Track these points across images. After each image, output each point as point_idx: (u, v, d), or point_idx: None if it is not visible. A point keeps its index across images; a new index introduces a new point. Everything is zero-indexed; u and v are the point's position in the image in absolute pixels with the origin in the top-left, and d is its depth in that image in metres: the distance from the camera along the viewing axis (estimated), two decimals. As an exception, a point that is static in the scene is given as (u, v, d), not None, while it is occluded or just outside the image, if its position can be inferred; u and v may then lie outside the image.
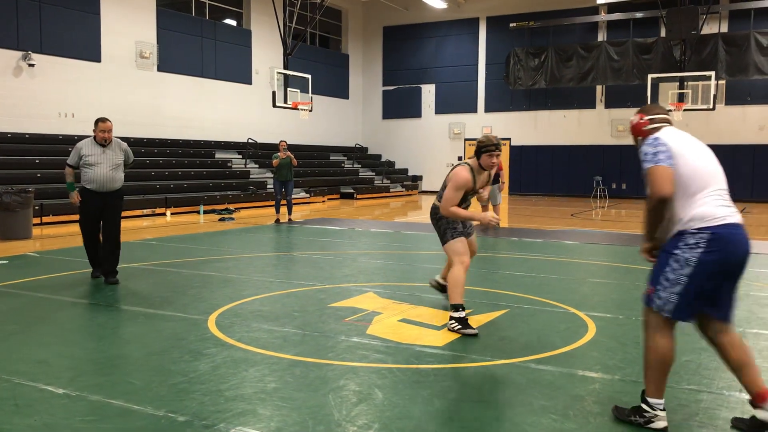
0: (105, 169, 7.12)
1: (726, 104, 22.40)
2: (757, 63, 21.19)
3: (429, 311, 5.96)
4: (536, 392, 3.94)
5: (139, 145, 18.82)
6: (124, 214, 15.05)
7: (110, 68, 18.25)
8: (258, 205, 19.11)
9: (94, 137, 7.23)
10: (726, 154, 22.49)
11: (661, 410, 3.35)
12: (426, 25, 27.36)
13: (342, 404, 3.70)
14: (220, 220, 15.22)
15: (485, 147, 5.31)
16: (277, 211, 14.59)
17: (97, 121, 7.22)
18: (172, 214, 16.36)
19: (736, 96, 22.41)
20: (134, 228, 13.33)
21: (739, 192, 22.19)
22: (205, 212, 16.65)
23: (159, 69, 19.66)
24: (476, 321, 5.60)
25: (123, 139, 18.23)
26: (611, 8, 23.78)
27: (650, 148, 3.36)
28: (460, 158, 27.05)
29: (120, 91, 18.46)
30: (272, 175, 15.44)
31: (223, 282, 7.37)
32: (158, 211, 16.28)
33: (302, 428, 3.37)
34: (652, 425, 3.35)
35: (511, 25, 24.99)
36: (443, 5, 25.93)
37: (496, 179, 13.61)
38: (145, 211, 15.93)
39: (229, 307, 6.08)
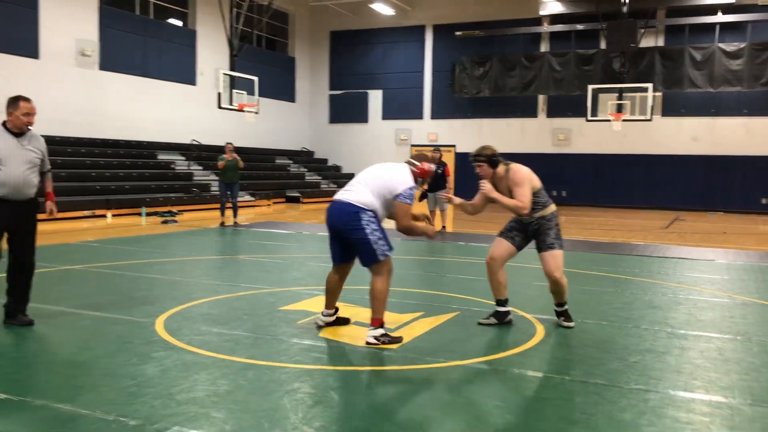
0: (19, 167, 5.15)
1: (662, 116, 23.19)
2: (691, 77, 22.03)
3: (380, 314, 5.96)
4: (489, 392, 3.99)
5: (80, 145, 18.31)
6: (62, 215, 14.65)
7: (49, 65, 17.68)
8: (201, 208, 18.79)
9: (4, 124, 5.21)
10: (662, 164, 23.35)
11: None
12: (373, 31, 27.47)
13: (298, 407, 3.67)
14: (163, 222, 14.91)
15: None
16: (223, 214, 14.38)
17: (16, 100, 5.18)
18: (113, 215, 15.94)
19: (671, 108, 23.24)
20: (74, 229, 12.93)
21: (673, 201, 23.07)
22: (147, 214, 16.28)
23: (101, 68, 19.15)
24: (428, 323, 5.64)
25: (62, 139, 17.97)
26: (554, 20, 24.35)
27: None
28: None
29: (59, 90, 17.90)
30: (216, 177, 15.22)
31: (169, 285, 7.22)
32: (99, 212, 15.84)
33: (258, 431, 3.33)
34: None
35: (457, 33, 25.32)
36: (391, 12, 26.09)
37: (443, 185, 13.74)
38: (85, 213, 15.47)
39: (176, 310, 5.96)
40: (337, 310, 5.49)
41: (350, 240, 5.06)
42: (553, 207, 5.58)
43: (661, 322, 5.98)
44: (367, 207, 4.99)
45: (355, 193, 5.07)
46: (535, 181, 5.48)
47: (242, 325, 5.47)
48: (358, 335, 5.20)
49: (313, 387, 4.01)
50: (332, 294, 5.45)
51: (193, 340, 4.97)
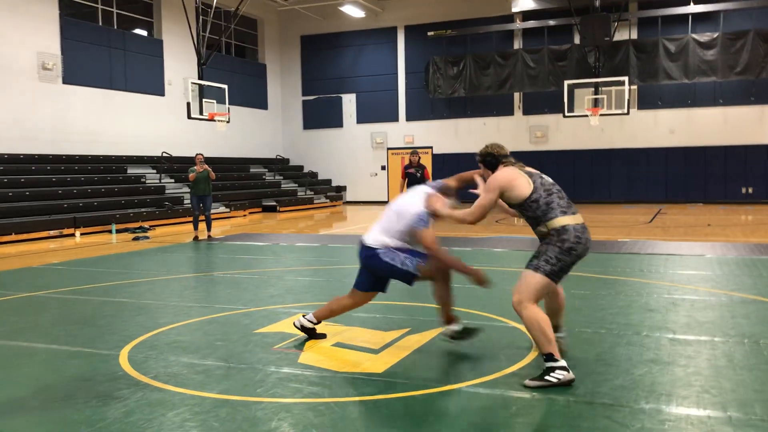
0: None
1: (639, 109, 23.05)
2: (666, 68, 21.90)
3: (364, 332, 5.56)
4: (489, 420, 3.60)
5: (45, 162, 17.68)
6: (27, 236, 14.06)
7: (8, 80, 17.03)
8: (175, 222, 18.24)
9: None
10: (640, 157, 23.21)
11: None
12: (344, 34, 27.06)
13: (275, 451, 3.25)
14: (134, 239, 14.37)
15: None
16: (196, 228, 13.89)
17: None
18: (81, 234, 15.35)
19: (648, 101, 23.11)
20: (39, 251, 12.36)
21: (653, 194, 22.93)
22: (117, 231, 15.71)
23: (64, 81, 18.51)
24: (416, 340, 5.25)
25: (27, 156, 17.34)
26: (526, 16, 24.12)
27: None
28: (383, 167, 26.86)
29: (21, 105, 17.26)
30: (189, 190, 14.73)
31: (137, 309, 6.75)
32: (66, 231, 15.23)
33: (230, 486, 2.91)
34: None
35: (429, 33, 25.00)
36: (361, 14, 25.71)
37: (423, 188, 13.37)
38: (52, 233, 14.86)
39: (143, 339, 5.50)
40: (318, 323, 5.29)
41: (380, 273, 4.96)
42: (563, 220, 4.26)
43: (661, 327, 5.64)
44: (379, 245, 4.85)
45: (370, 233, 5.04)
46: (519, 190, 4.34)
47: (214, 353, 5.04)
48: (339, 359, 4.79)
49: (292, 425, 3.59)
50: (331, 313, 5.25)
51: (160, 374, 4.53)
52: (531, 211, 4.37)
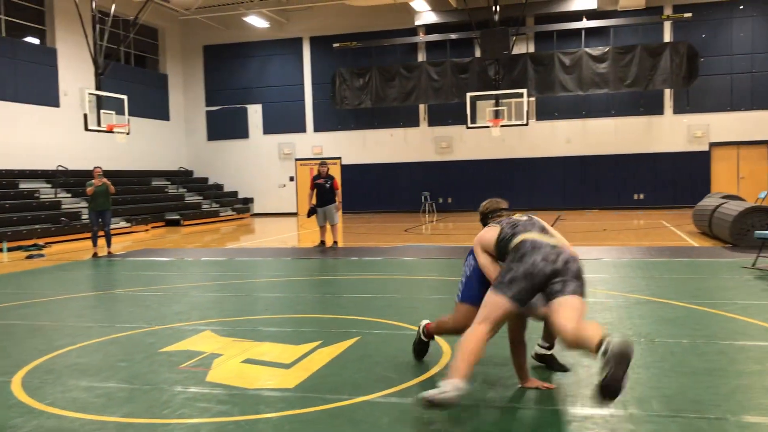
0: None
1: (537, 120, 23.93)
2: (562, 81, 22.86)
3: (275, 347, 5.47)
4: (401, 430, 3.62)
5: (-76, 178, 16.50)
6: None
7: None
8: (72, 239, 17.40)
9: None
10: (540, 166, 24.09)
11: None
12: (248, 44, 26.73)
13: (184, 474, 3.14)
14: (28, 257, 13.60)
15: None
16: (95, 244, 13.31)
17: None
18: (-32, 254, 14.40)
19: (545, 111, 24.03)
20: None
21: (553, 201, 23.83)
22: (9, 249, 14.82)
23: (-54, 91, 17.38)
24: (327, 353, 5.21)
25: None
26: (429, 30, 24.60)
27: None
28: (291, 178, 26.65)
29: None
30: (87, 205, 14.11)
31: (31, 332, 6.38)
32: (-50, 251, 14.26)
33: None
34: None
35: (335, 45, 25.05)
36: (265, 25, 25.48)
37: (333, 199, 13.37)
38: (-66, 253, 13.87)
39: (38, 363, 5.20)
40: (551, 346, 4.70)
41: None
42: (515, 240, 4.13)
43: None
44: None
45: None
46: (488, 239, 4.29)
47: (116, 375, 4.82)
48: (248, 375, 4.69)
49: (201, 446, 3.49)
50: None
51: (57, 400, 4.29)
52: (503, 247, 4.19)
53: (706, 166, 22.82)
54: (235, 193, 27.28)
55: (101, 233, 13.31)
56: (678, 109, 22.96)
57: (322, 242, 13.56)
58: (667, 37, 22.69)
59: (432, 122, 25.17)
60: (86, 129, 17.19)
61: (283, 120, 26.50)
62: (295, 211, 26.62)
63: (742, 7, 22.14)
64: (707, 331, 5.64)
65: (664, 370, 4.56)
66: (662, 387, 4.22)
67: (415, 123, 25.37)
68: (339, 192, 13.62)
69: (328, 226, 13.58)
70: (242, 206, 26.38)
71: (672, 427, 3.56)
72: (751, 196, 20.34)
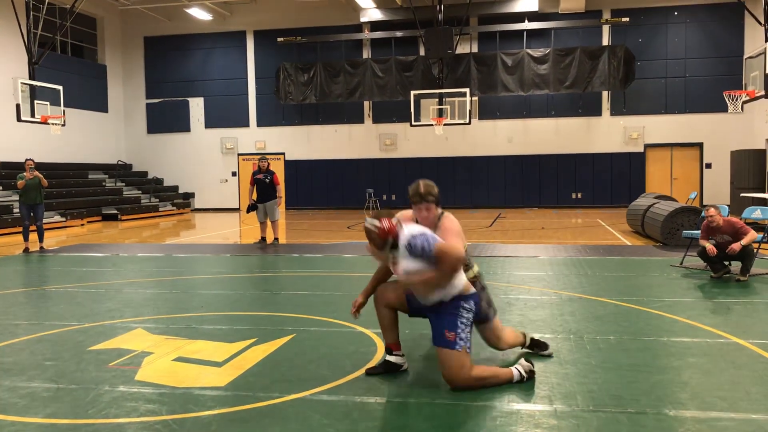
0: None
1: (480, 119, 24.25)
2: (504, 81, 23.21)
3: (208, 345, 5.41)
4: (331, 427, 3.63)
5: None
6: None
7: None
8: (2, 233, 16.80)
9: None
10: (482, 164, 24.42)
11: None
12: (191, 36, 26.25)
13: (106, 476, 3.09)
14: (-46, 252, 13.08)
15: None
16: (26, 239, 12.88)
17: None
18: None
19: (487, 111, 24.36)
20: None
21: (493, 200, 24.19)
22: (-67, 244, 14.23)
23: None
24: (262, 351, 5.18)
25: None
26: (374, 27, 24.63)
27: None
28: (234, 173, 26.32)
29: None
30: (18, 198, 13.65)
31: (-48, 330, 6.14)
32: None
33: None
34: None
35: (279, 39, 24.85)
36: (208, 17, 25.08)
37: (273, 195, 13.26)
38: None
39: (-41, 363, 5.02)
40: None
41: None
42: None
43: (497, 326, 5.94)
44: None
45: None
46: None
47: (42, 374, 4.69)
48: (179, 374, 4.62)
49: (126, 447, 3.43)
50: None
51: (-23, 401, 4.15)
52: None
53: (641, 166, 23.54)
54: (175, 188, 26.78)
55: (33, 228, 12.90)
56: (615, 111, 23.61)
57: (263, 239, 13.44)
58: (606, 40, 23.29)
59: (376, 119, 25.22)
60: (19, 120, 16.66)
61: (225, 114, 26.15)
62: (237, 206, 26.31)
63: (676, 13, 22.89)
64: (634, 328, 5.82)
65: (590, 366, 4.70)
66: (588, 382, 4.34)
67: (359, 119, 25.38)
68: (280, 188, 13.51)
69: (268, 222, 13.47)
70: (182, 201, 25.91)
71: (593, 422, 3.67)
72: (683, 196, 21.10)
